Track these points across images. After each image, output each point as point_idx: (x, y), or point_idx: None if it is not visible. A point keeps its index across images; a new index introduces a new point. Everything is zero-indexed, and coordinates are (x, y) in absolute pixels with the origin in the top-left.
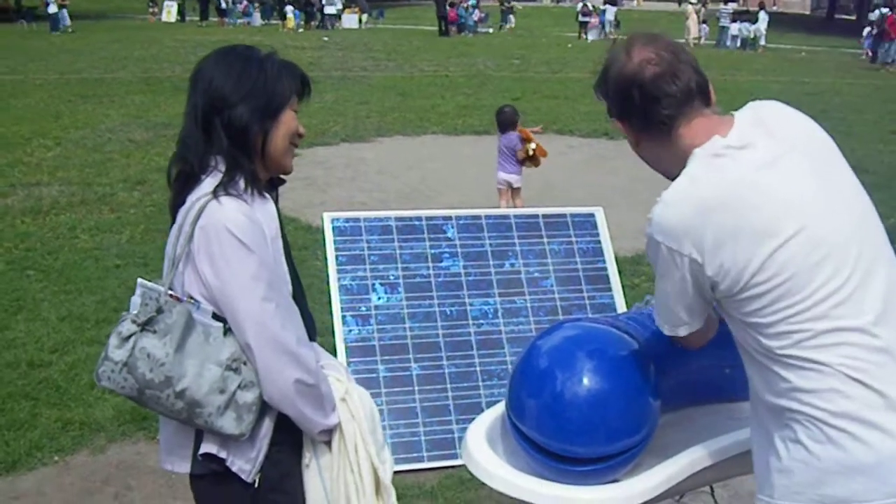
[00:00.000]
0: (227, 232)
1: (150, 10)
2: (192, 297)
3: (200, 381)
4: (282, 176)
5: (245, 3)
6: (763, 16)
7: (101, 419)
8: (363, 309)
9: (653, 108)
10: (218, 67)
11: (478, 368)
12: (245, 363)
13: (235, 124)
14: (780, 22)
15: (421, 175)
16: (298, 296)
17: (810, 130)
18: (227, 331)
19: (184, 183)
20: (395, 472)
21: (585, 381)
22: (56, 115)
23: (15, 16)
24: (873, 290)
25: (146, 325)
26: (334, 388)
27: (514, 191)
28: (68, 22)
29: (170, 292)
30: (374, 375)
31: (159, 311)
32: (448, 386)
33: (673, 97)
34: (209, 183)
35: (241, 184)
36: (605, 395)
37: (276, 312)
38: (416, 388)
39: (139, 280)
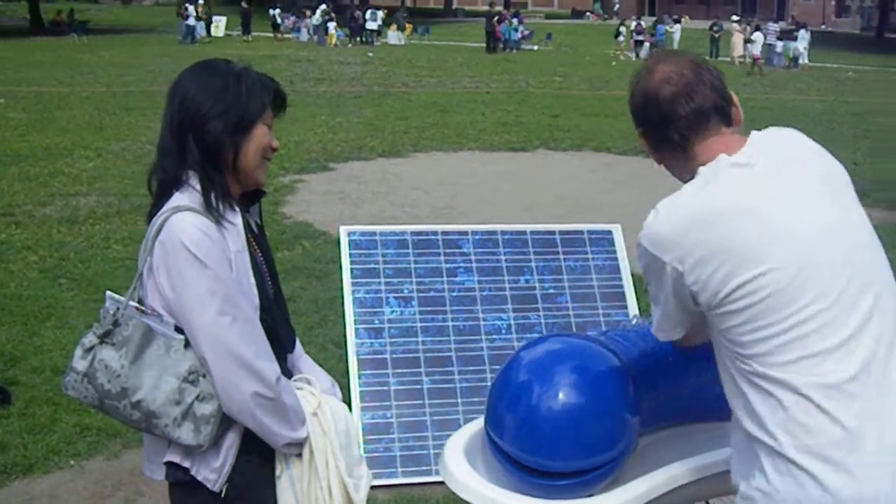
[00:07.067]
0: (183, 247)
1: None
2: (154, 310)
3: (156, 393)
4: (262, 189)
5: (293, 18)
6: (803, 34)
7: (118, 425)
8: (376, 322)
9: (666, 127)
10: (194, 82)
11: (489, 383)
12: (204, 376)
13: (207, 140)
14: (826, 41)
15: (455, 191)
16: (272, 308)
17: (822, 160)
18: (188, 343)
19: (161, 195)
20: (403, 485)
21: (561, 395)
22: (99, 126)
23: (67, 29)
24: (853, 321)
25: (105, 338)
26: (305, 403)
27: None
28: (203, 33)
29: (135, 305)
30: (385, 388)
31: (115, 323)
32: (459, 400)
33: (685, 119)
34: (177, 197)
35: (211, 198)
36: (580, 411)
37: (231, 326)
38: (427, 401)
39: (107, 292)
